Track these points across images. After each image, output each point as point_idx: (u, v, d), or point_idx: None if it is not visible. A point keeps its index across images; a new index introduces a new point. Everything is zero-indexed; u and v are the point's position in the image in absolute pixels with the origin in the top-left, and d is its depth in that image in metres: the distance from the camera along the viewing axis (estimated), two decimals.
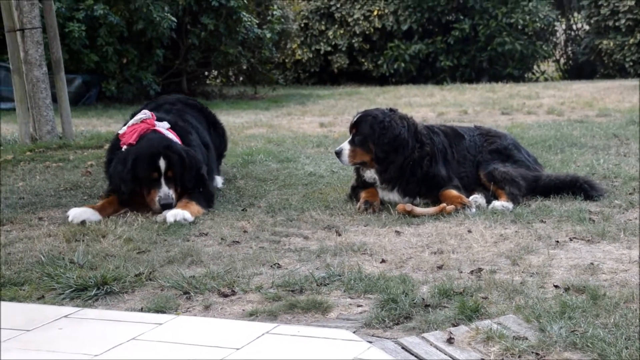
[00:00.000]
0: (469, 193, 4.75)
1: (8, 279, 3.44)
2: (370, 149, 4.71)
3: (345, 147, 4.75)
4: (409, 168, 4.73)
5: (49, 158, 6.57)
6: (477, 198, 4.68)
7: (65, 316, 3.00)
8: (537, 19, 16.53)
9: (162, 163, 4.62)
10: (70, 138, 7.42)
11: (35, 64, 7.17)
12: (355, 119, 4.81)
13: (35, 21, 7.13)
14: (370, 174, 4.80)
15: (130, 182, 4.62)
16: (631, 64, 16.29)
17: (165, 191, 4.61)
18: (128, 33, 11.72)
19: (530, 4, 16.51)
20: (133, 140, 4.74)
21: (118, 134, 4.95)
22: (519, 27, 16.42)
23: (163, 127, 4.89)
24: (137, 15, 11.49)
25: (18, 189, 5.41)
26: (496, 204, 4.56)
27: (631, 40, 16.14)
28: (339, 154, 4.76)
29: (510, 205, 4.54)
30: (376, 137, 4.68)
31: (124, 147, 4.75)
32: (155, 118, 4.91)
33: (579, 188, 4.76)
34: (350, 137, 4.79)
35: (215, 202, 4.83)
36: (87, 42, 11.29)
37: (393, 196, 4.78)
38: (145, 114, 4.90)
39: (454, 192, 4.65)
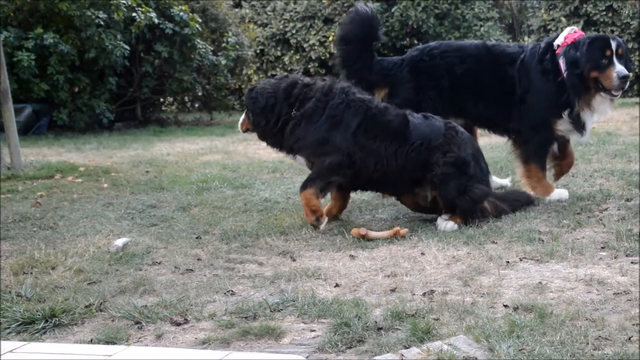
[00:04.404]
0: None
1: None
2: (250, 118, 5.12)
3: (241, 118, 5.24)
4: (279, 130, 4.95)
5: None
6: None
7: (10, 351, 2.93)
8: None
9: (613, 43, 5.07)
10: (19, 168, 7.30)
11: None
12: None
13: None
14: None
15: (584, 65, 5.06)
16: None
17: (620, 67, 5.02)
18: (80, 61, 11.63)
19: (482, 28, 16.86)
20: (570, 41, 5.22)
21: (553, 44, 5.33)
22: None
23: None
24: (89, 43, 11.42)
25: None
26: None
27: None
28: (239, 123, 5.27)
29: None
30: (249, 107, 5.06)
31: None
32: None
33: None
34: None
35: None
36: (37, 71, 11.16)
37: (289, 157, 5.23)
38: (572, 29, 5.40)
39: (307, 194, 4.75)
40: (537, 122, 5.37)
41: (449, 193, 4.74)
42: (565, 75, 5.20)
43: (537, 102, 5.36)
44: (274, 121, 4.95)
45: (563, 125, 5.35)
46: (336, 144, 4.77)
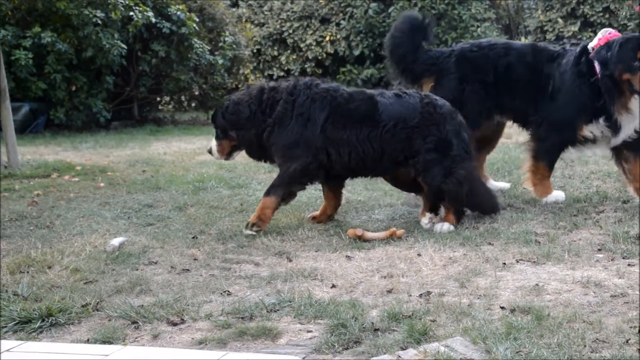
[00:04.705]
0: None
1: None
2: (232, 136, 4.95)
3: (213, 143, 5.03)
4: (258, 141, 4.88)
5: None
6: None
7: (7, 350, 2.92)
8: None
9: None
10: (16, 167, 7.28)
11: None
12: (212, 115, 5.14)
13: None
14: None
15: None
16: None
17: None
18: (77, 60, 11.60)
19: (479, 29, 16.86)
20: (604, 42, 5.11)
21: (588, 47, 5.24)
22: None
23: None
24: (86, 42, 11.39)
25: None
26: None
27: None
28: (210, 151, 5.07)
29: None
30: (229, 124, 4.91)
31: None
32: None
33: None
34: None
35: None
36: (34, 70, 11.13)
37: None
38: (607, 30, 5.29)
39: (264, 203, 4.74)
40: (561, 122, 5.31)
41: (433, 179, 4.69)
42: (599, 77, 5.10)
43: (567, 103, 5.28)
44: (261, 129, 4.85)
45: (592, 130, 5.24)
46: (305, 145, 4.72)
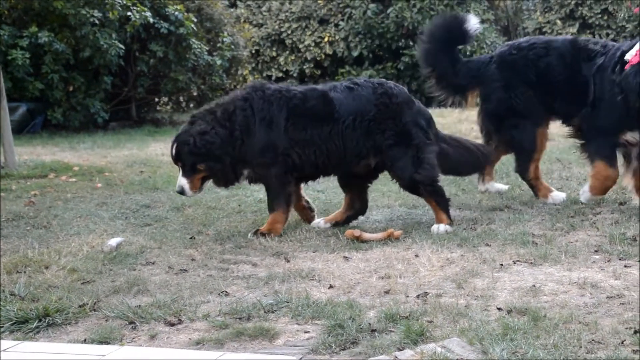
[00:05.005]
0: None
1: None
2: (200, 169, 4.67)
3: (184, 182, 4.67)
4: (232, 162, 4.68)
5: None
6: None
7: (4, 350, 2.92)
8: (485, 45, 16.90)
9: None
10: (13, 167, 7.27)
11: None
12: (173, 151, 4.71)
13: None
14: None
15: None
16: None
17: None
18: (74, 60, 11.59)
19: (478, 30, 16.89)
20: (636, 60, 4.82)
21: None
22: (467, 53, 16.75)
23: None
24: (84, 42, 11.38)
25: None
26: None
27: None
28: (182, 192, 4.71)
29: None
30: (201, 158, 4.60)
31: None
32: None
33: None
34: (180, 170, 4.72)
35: None
36: (31, 70, 11.12)
37: None
38: None
39: None
40: (604, 128, 5.20)
41: (403, 172, 4.70)
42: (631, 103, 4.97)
43: (607, 114, 5.16)
44: (233, 147, 4.63)
45: (635, 136, 5.15)
46: (275, 149, 4.63)
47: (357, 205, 4.97)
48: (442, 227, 4.65)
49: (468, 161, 5.06)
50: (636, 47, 5.08)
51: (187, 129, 4.72)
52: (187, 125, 4.75)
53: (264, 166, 4.68)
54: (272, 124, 4.65)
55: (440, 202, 4.75)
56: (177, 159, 4.72)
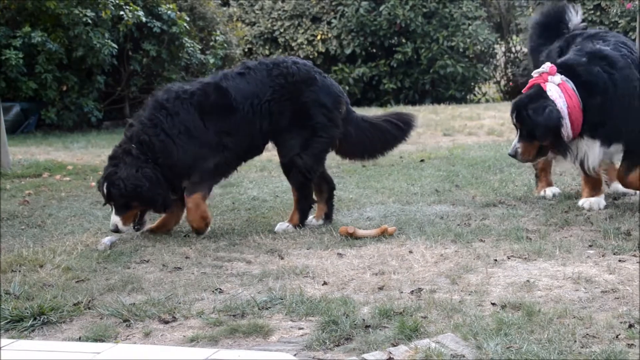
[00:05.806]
0: None
1: None
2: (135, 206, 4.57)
3: (116, 219, 4.54)
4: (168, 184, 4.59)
5: None
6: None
7: None
8: (478, 42, 16.92)
9: None
10: (7, 167, 7.26)
11: None
12: (104, 192, 4.57)
13: None
14: None
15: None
16: None
17: None
18: (68, 60, 11.56)
19: (470, 27, 16.90)
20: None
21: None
22: (460, 50, 16.77)
23: (554, 82, 4.66)
24: (77, 42, 11.35)
25: None
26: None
27: None
28: (117, 230, 4.56)
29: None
30: (139, 200, 4.52)
31: None
32: (554, 71, 4.67)
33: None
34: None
35: None
36: (25, 69, 11.10)
37: None
38: (546, 66, 4.72)
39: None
40: None
41: (288, 152, 4.61)
42: None
43: None
44: (167, 165, 4.52)
45: None
46: (205, 145, 4.54)
47: (324, 186, 4.86)
48: (285, 226, 4.63)
49: (373, 142, 4.86)
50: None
51: (113, 172, 4.53)
52: (111, 167, 4.57)
53: (199, 163, 4.54)
54: (191, 131, 4.53)
55: (301, 200, 4.68)
56: (108, 199, 4.57)
